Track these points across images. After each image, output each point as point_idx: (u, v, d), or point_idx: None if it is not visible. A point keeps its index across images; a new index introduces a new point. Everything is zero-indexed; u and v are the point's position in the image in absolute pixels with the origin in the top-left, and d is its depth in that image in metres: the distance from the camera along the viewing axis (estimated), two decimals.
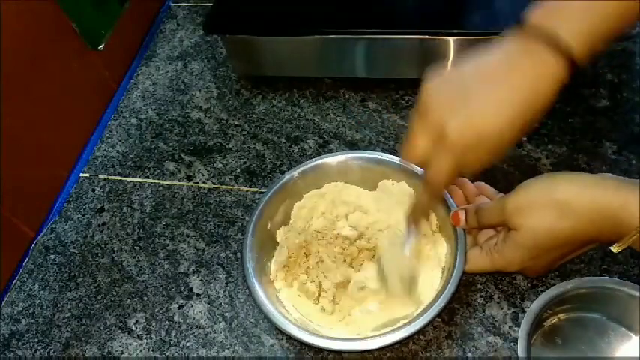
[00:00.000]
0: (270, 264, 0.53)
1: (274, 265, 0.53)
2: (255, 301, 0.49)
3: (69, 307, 0.57)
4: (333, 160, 0.56)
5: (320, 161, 0.56)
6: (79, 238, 0.61)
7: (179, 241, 0.60)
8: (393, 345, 0.46)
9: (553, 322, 0.48)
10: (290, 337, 0.51)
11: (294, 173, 0.55)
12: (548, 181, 0.42)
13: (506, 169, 0.60)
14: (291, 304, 0.51)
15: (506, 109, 0.37)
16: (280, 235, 0.55)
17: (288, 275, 0.52)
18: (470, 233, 0.49)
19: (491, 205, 0.45)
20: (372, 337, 0.45)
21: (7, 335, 0.55)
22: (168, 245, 0.60)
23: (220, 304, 0.55)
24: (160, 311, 0.55)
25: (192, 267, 0.58)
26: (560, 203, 0.40)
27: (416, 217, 0.48)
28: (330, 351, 0.48)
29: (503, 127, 0.38)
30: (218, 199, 0.62)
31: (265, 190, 0.56)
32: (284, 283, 0.52)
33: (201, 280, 0.57)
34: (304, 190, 0.56)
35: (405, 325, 0.45)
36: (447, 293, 0.46)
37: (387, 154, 0.55)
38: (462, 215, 0.46)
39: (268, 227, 0.54)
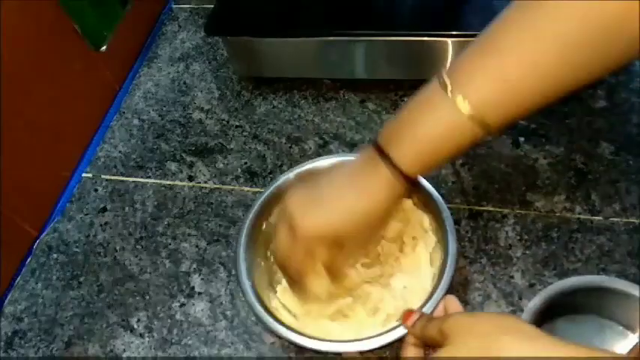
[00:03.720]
0: (263, 264, 0.53)
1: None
2: (247, 301, 0.49)
3: (71, 305, 0.57)
4: (328, 162, 0.56)
5: (315, 164, 0.56)
6: (82, 238, 0.62)
7: (181, 241, 0.60)
8: (390, 345, 0.45)
9: (550, 320, 0.48)
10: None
11: (290, 175, 0.56)
12: (497, 323, 0.37)
13: (504, 170, 0.60)
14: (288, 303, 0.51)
15: (348, 213, 0.43)
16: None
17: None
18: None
19: (438, 318, 0.42)
20: (367, 338, 0.45)
21: (9, 334, 0.56)
22: (170, 244, 0.60)
23: (221, 302, 0.55)
24: (162, 310, 0.55)
25: (194, 266, 0.58)
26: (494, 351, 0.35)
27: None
28: (321, 352, 0.48)
29: (345, 228, 0.44)
30: (219, 199, 0.63)
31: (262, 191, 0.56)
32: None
33: (202, 279, 0.57)
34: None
35: (386, 332, 0.45)
36: (438, 294, 0.46)
37: None
38: (413, 317, 0.43)
39: (263, 228, 0.55)
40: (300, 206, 0.44)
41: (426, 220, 0.53)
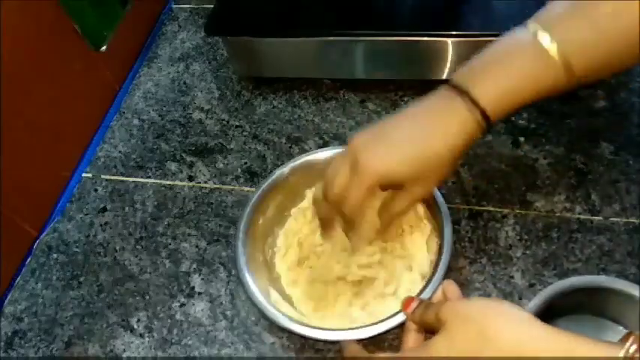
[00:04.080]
0: (262, 258, 0.54)
1: (280, 262, 0.55)
2: (247, 295, 0.50)
3: (71, 305, 0.57)
4: (322, 155, 0.57)
5: (310, 157, 0.57)
6: (82, 238, 0.62)
7: (181, 241, 0.60)
8: (385, 333, 0.46)
9: (550, 320, 0.48)
10: (290, 334, 0.52)
11: (284, 169, 0.57)
12: (494, 309, 0.38)
13: (505, 169, 0.60)
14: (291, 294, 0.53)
15: (419, 153, 0.42)
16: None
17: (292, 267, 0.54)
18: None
19: (436, 303, 0.43)
20: (366, 325, 0.46)
21: (10, 334, 0.56)
22: (170, 244, 0.60)
23: (221, 302, 0.55)
24: (162, 310, 0.55)
25: (194, 266, 0.58)
26: (488, 336, 0.36)
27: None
28: (321, 341, 0.49)
29: (413, 169, 0.42)
30: (219, 199, 0.63)
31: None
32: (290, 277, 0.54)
33: (202, 278, 0.57)
34: (295, 186, 0.57)
35: (384, 319, 0.46)
36: (436, 279, 0.46)
37: None
38: (413, 304, 0.43)
39: (260, 222, 0.55)
40: (367, 145, 0.43)
41: (420, 208, 0.53)
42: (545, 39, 0.39)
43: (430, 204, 0.52)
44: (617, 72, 0.42)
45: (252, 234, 0.54)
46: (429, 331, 0.41)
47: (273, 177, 0.56)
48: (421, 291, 0.47)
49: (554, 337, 0.34)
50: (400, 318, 0.45)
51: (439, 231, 0.50)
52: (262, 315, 0.50)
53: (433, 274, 0.47)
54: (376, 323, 0.46)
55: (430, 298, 0.45)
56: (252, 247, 0.53)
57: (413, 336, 0.43)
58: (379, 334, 0.46)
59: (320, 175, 0.52)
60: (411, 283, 0.51)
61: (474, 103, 0.40)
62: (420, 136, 0.42)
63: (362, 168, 0.42)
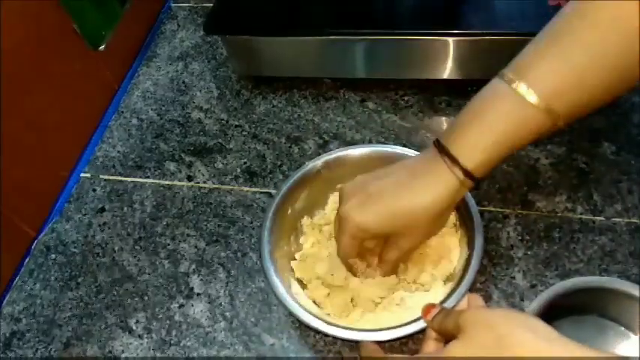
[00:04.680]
0: (286, 248, 0.54)
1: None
2: (269, 283, 0.50)
3: (70, 306, 0.57)
4: (359, 151, 0.57)
5: (344, 152, 0.57)
6: (80, 238, 0.62)
7: (179, 241, 0.60)
8: (410, 337, 0.46)
9: (552, 321, 0.48)
10: (290, 336, 0.52)
11: (318, 162, 0.56)
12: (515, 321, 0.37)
13: (506, 170, 0.60)
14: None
15: (400, 213, 0.44)
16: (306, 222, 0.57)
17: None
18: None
19: (456, 311, 0.42)
20: (387, 329, 0.46)
21: (8, 335, 0.56)
22: (169, 245, 0.60)
23: (221, 303, 0.55)
24: (161, 311, 0.55)
25: (193, 266, 0.58)
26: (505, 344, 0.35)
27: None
28: (335, 338, 0.49)
29: (395, 227, 0.45)
30: (218, 199, 0.63)
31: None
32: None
33: (201, 279, 0.57)
34: (327, 180, 0.57)
35: (407, 323, 0.46)
36: (461, 290, 0.46)
37: (406, 149, 0.56)
38: (433, 311, 0.43)
39: (288, 212, 0.55)
40: (353, 199, 0.45)
41: (452, 216, 0.53)
42: (522, 88, 0.39)
43: (462, 211, 0.52)
44: (606, 103, 0.41)
45: (279, 224, 0.53)
46: (449, 340, 0.40)
47: (306, 168, 0.56)
48: (444, 300, 0.46)
49: (574, 352, 0.33)
50: (420, 325, 0.45)
51: (469, 238, 0.50)
52: (281, 304, 0.49)
53: (458, 284, 0.47)
54: (395, 327, 0.46)
55: (453, 308, 0.45)
56: (278, 237, 0.53)
57: (432, 345, 0.42)
58: (398, 339, 0.46)
59: (351, 172, 0.52)
60: (434, 292, 0.51)
61: (455, 162, 0.41)
62: (401, 193, 0.44)
63: (342, 219, 0.45)
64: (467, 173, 0.41)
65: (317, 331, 0.48)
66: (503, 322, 0.36)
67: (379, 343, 0.45)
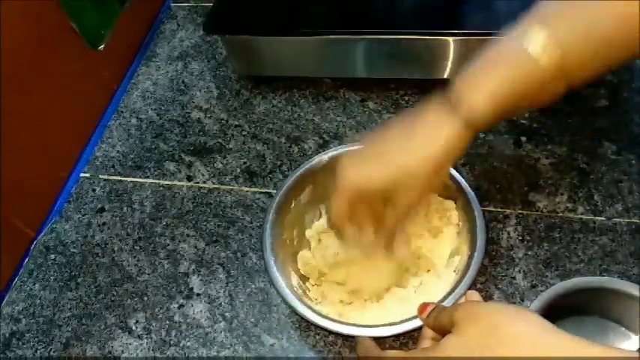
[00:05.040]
0: (289, 242, 0.54)
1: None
2: (269, 277, 0.50)
3: (69, 306, 0.57)
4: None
5: (349, 148, 0.57)
6: (80, 238, 0.62)
7: (179, 241, 0.60)
8: (406, 334, 0.46)
9: (552, 322, 0.48)
10: (289, 337, 0.52)
11: (324, 157, 0.56)
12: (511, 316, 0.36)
13: (506, 169, 0.60)
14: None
15: (396, 166, 0.43)
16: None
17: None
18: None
19: (451, 306, 0.43)
20: (381, 325, 0.46)
21: (7, 335, 0.56)
22: (169, 245, 0.60)
23: (220, 303, 0.55)
24: (160, 311, 0.55)
25: (193, 267, 0.58)
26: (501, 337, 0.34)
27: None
28: (333, 333, 0.49)
29: (391, 182, 0.43)
30: (218, 199, 0.63)
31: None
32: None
33: (201, 279, 0.57)
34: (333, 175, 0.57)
35: (404, 320, 0.46)
36: (460, 288, 0.46)
37: None
38: (429, 308, 0.43)
39: (292, 206, 0.55)
40: (347, 161, 0.45)
41: (454, 214, 0.53)
42: (533, 40, 0.39)
43: (465, 210, 0.52)
44: (613, 66, 0.41)
45: (283, 216, 0.53)
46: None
47: (312, 162, 0.56)
48: (444, 298, 0.46)
49: (571, 344, 0.33)
50: (416, 323, 0.45)
51: (470, 237, 0.50)
52: (282, 299, 0.49)
53: (458, 284, 0.47)
54: (392, 324, 0.46)
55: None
56: (281, 229, 0.53)
57: (428, 343, 0.42)
58: (397, 335, 0.46)
59: None
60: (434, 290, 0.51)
61: (465, 107, 0.40)
62: (400, 145, 0.43)
63: (339, 182, 0.44)
64: (468, 120, 0.41)
65: (316, 325, 0.47)
66: (496, 313, 0.36)
67: (377, 339, 0.45)
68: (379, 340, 0.45)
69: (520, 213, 0.57)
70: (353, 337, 0.48)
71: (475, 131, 0.42)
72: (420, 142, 0.42)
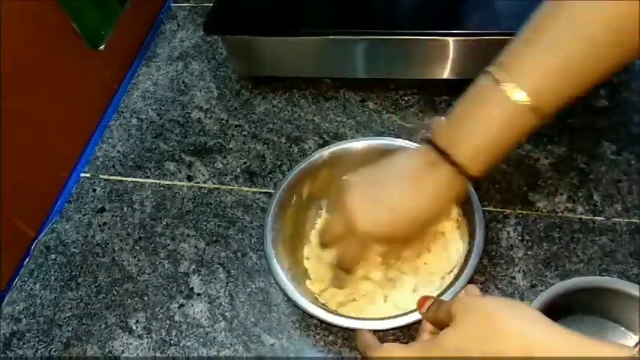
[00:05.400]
0: (288, 239, 0.54)
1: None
2: (270, 269, 0.50)
3: (70, 306, 0.57)
4: (361, 144, 0.57)
5: (349, 144, 0.58)
6: (80, 238, 0.62)
7: (179, 241, 0.60)
8: (405, 327, 0.47)
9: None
10: (290, 336, 0.52)
11: (324, 153, 0.57)
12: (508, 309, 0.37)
13: (506, 169, 0.60)
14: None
15: (409, 217, 0.45)
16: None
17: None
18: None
19: (450, 300, 0.43)
20: (381, 318, 0.46)
21: (8, 335, 0.56)
22: (169, 245, 0.60)
23: (221, 303, 0.55)
24: (161, 311, 0.55)
25: (193, 267, 0.58)
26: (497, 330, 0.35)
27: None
28: (333, 325, 0.49)
29: (403, 230, 0.46)
30: (218, 199, 0.63)
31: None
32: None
33: (201, 279, 0.57)
34: (333, 170, 0.57)
35: (404, 314, 0.46)
36: (459, 283, 0.47)
37: (405, 141, 0.56)
38: (427, 303, 0.43)
39: (293, 201, 0.55)
40: (360, 205, 0.45)
41: (454, 210, 0.53)
42: (509, 87, 0.40)
43: (465, 208, 0.52)
44: (593, 86, 0.42)
45: (284, 212, 0.54)
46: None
47: (312, 158, 0.56)
48: (441, 294, 0.47)
49: (567, 338, 0.33)
50: (415, 316, 0.45)
51: (470, 233, 0.50)
52: (282, 293, 0.50)
53: (456, 280, 0.47)
54: (391, 317, 0.46)
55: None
56: (282, 224, 0.53)
57: (427, 337, 0.43)
58: (393, 328, 0.46)
59: (354, 162, 0.53)
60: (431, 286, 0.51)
61: (457, 165, 0.42)
62: (411, 199, 0.45)
63: (356, 228, 0.45)
64: (468, 175, 0.43)
65: (317, 318, 0.48)
66: (493, 306, 0.36)
67: (376, 332, 0.46)
68: (378, 334, 0.45)
69: (520, 213, 0.57)
70: (352, 330, 0.48)
71: (469, 181, 0.44)
72: (428, 198, 0.44)
